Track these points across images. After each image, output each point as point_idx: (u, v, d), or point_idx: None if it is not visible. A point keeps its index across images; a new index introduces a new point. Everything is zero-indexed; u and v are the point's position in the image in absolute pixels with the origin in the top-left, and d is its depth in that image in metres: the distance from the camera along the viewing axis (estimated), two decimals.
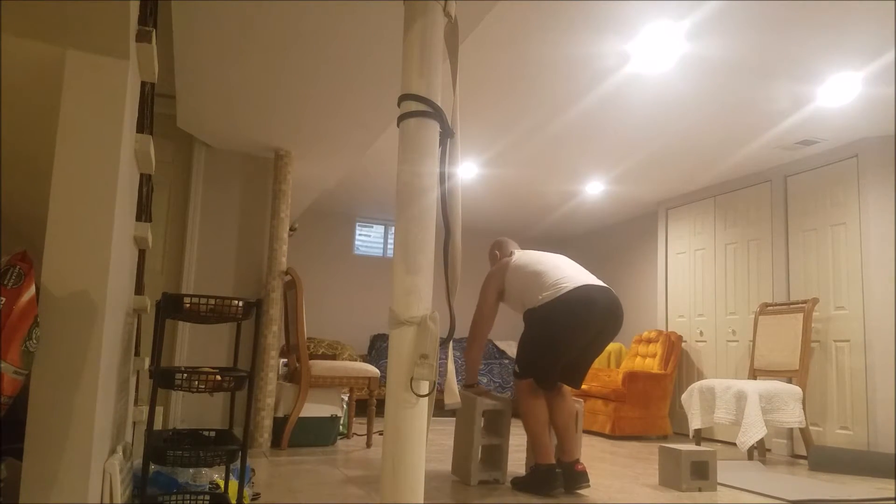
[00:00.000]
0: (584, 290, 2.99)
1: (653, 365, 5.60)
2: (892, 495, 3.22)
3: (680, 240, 6.01)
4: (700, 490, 3.15)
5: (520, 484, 3.04)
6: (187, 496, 2.12)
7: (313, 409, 4.03)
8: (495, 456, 3.23)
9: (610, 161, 5.03)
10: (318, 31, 2.77)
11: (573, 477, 2.97)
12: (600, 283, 3.10)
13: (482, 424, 3.15)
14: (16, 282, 1.34)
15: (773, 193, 5.07)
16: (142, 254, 2.66)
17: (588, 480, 2.98)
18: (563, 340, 2.97)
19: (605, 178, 5.51)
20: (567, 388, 3.15)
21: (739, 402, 4.03)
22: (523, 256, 3.28)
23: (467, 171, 5.38)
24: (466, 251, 6.36)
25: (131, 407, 2.72)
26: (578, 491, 3.00)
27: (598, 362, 6.34)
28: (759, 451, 4.33)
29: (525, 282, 3.16)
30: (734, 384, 4.14)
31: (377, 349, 6.67)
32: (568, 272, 3.09)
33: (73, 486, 1.45)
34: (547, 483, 2.93)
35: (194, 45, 2.93)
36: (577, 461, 3.02)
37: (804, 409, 4.14)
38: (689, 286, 5.86)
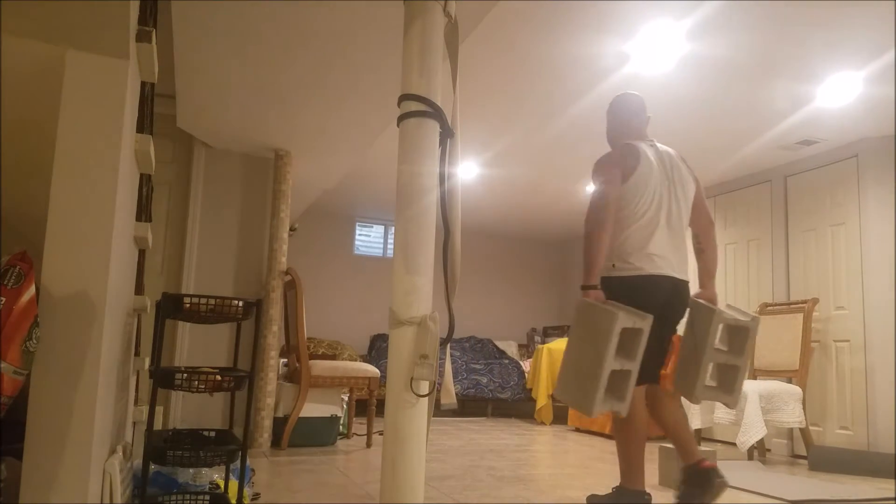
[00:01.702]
0: (652, 280, 2.52)
1: None
2: (892, 495, 3.22)
3: None
4: None
5: None
6: (187, 496, 2.12)
7: (313, 409, 4.03)
8: (621, 382, 2.44)
9: None
10: (318, 30, 2.77)
11: (703, 477, 2.49)
12: (678, 272, 2.59)
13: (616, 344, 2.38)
14: (16, 282, 1.34)
15: (773, 193, 5.06)
16: (142, 254, 2.66)
17: (721, 476, 2.49)
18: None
19: None
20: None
21: (739, 402, 4.03)
22: (641, 175, 2.55)
23: (467, 171, 5.38)
24: (466, 251, 6.36)
25: (131, 407, 2.72)
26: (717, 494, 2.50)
27: None
28: (759, 451, 4.33)
29: (621, 214, 2.54)
30: None
31: (377, 349, 6.67)
32: (657, 249, 2.53)
33: (73, 486, 1.45)
34: None
35: (194, 45, 2.93)
36: (703, 459, 2.56)
37: (804, 409, 4.14)
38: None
